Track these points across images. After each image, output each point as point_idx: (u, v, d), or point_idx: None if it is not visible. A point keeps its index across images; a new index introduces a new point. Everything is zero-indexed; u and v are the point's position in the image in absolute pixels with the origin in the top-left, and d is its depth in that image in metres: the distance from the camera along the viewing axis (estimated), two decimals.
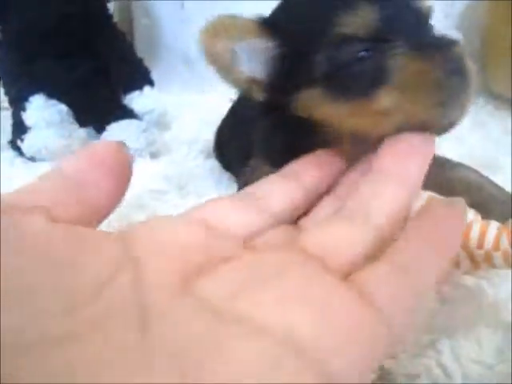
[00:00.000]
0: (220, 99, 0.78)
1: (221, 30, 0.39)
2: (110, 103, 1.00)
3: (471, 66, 0.36)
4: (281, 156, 0.42)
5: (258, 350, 0.20)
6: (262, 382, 0.19)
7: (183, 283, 0.23)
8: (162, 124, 0.98)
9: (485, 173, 0.57)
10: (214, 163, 0.84)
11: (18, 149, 0.96)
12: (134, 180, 0.73)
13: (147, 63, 1.08)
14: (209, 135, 0.85)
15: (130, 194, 0.68)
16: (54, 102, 0.96)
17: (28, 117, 0.95)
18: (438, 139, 0.35)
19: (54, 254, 0.22)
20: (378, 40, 0.36)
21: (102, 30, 1.02)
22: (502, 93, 1.21)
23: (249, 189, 0.35)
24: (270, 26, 0.40)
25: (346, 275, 0.25)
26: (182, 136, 0.94)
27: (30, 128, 0.94)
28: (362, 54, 0.36)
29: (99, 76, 1.01)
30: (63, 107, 0.96)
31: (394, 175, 0.31)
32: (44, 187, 0.26)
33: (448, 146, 0.87)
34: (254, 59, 0.40)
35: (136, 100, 0.99)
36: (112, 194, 0.28)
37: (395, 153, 0.33)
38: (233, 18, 0.40)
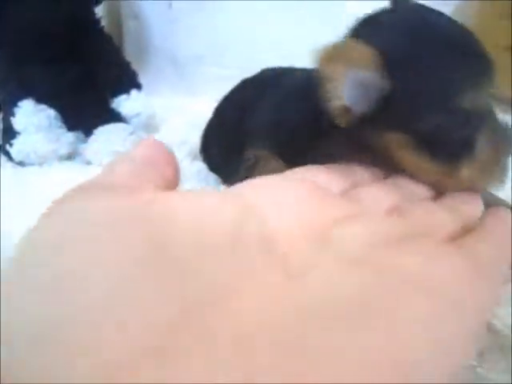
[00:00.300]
0: (209, 102, 0.79)
1: (339, 54, 0.38)
2: (98, 107, 1.01)
3: None
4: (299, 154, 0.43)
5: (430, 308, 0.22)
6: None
7: (320, 233, 0.24)
8: (150, 127, 0.99)
9: None
10: (201, 165, 0.85)
11: (7, 154, 0.97)
12: None
13: (137, 66, 1.09)
14: (196, 138, 0.86)
15: None
16: (42, 106, 0.97)
17: (17, 122, 0.96)
18: None
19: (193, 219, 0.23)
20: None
21: (89, 35, 1.03)
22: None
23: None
24: (390, 62, 0.38)
25: None
26: (169, 138, 0.95)
27: (19, 133, 0.95)
28: (463, 125, 0.39)
29: (87, 80, 1.01)
30: (52, 112, 0.97)
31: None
32: (122, 170, 0.26)
33: None
34: (360, 91, 0.39)
35: (123, 103, 1.00)
36: (176, 174, 0.29)
37: None
38: (353, 44, 0.38)
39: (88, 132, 0.97)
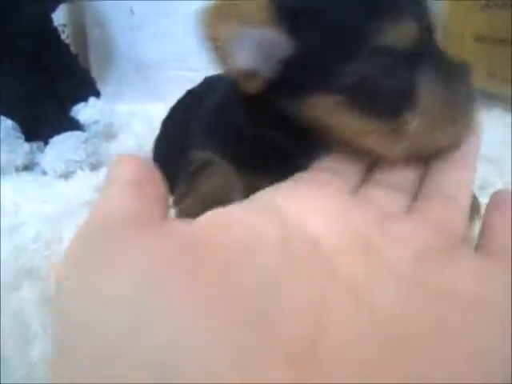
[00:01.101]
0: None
1: (226, 12, 0.35)
2: (58, 116, 1.01)
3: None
4: (251, 158, 0.41)
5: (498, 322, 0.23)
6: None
7: (366, 244, 0.26)
8: (107, 135, 0.98)
9: None
10: None
11: None
12: (69, 192, 0.74)
13: (102, 73, 1.09)
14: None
15: (63, 206, 0.70)
16: (1, 117, 0.96)
17: None
18: None
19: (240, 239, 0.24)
20: (412, 57, 0.35)
21: (47, 44, 1.03)
22: None
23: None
24: (289, 19, 0.35)
25: None
26: (126, 146, 0.95)
27: None
28: (395, 70, 0.35)
29: (47, 90, 1.01)
30: (9, 123, 0.96)
31: None
32: (122, 197, 0.27)
33: None
34: (260, 52, 0.35)
35: (81, 111, 1.00)
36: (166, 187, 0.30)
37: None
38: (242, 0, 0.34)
39: (45, 141, 0.97)
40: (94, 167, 0.88)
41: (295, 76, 0.36)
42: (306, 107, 0.37)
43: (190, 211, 0.38)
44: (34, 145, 0.96)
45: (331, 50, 0.35)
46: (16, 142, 0.95)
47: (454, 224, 0.30)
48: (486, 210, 0.33)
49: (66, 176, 0.87)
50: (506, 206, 0.31)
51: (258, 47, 0.35)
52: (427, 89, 0.35)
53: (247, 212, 0.27)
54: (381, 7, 0.34)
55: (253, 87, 0.37)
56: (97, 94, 1.03)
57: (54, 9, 1.06)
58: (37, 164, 0.95)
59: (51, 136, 0.96)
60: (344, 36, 0.34)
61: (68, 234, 0.65)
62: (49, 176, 0.89)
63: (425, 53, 0.36)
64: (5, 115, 0.97)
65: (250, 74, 0.36)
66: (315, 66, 0.36)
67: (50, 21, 1.06)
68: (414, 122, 0.35)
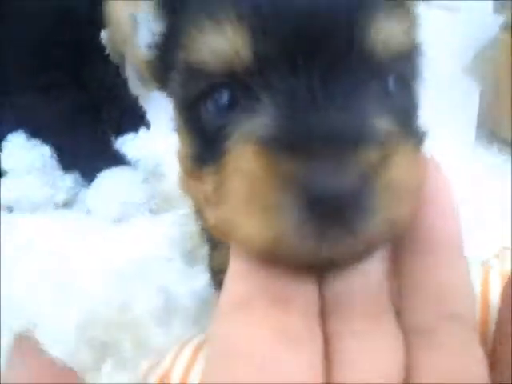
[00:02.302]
0: None
1: None
2: (100, 145, 0.91)
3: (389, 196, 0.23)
4: None
5: None
6: None
7: None
8: (157, 173, 0.88)
9: None
10: None
11: None
12: (130, 240, 0.67)
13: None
14: None
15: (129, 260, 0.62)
16: (35, 142, 0.87)
17: (5, 159, 0.86)
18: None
19: None
20: (241, 83, 0.27)
21: (91, 61, 0.92)
22: None
23: None
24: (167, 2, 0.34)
25: None
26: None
27: (7, 172, 0.85)
28: (213, 95, 0.27)
29: (86, 112, 0.92)
30: (46, 149, 0.87)
31: None
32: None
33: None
34: (147, 31, 0.35)
35: (129, 144, 0.91)
36: None
37: None
38: None
39: (88, 175, 0.86)
40: (153, 212, 0.78)
41: (163, 61, 0.35)
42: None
43: None
44: (77, 178, 0.86)
45: (171, 42, 0.32)
46: (55, 173, 0.85)
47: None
48: None
49: (119, 220, 0.76)
50: None
51: (146, 26, 0.35)
52: (236, 149, 0.25)
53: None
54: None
55: (149, 78, 0.37)
56: (147, 125, 0.93)
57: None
58: (77, 200, 0.85)
59: (91, 168, 0.86)
60: (176, 37, 0.31)
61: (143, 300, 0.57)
62: (94, 216, 0.79)
63: (276, 98, 0.25)
64: (40, 139, 0.87)
65: (142, 57, 0.36)
66: (165, 56, 0.34)
67: (97, 36, 0.95)
68: (210, 181, 0.28)
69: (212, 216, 0.27)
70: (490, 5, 1.52)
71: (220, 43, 0.26)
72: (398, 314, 0.25)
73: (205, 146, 0.29)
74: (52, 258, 0.70)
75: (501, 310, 0.28)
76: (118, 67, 0.98)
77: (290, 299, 0.23)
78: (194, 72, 0.28)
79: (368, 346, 0.23)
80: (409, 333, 0.25)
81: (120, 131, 0.92)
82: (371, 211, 0.22)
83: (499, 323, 0.28)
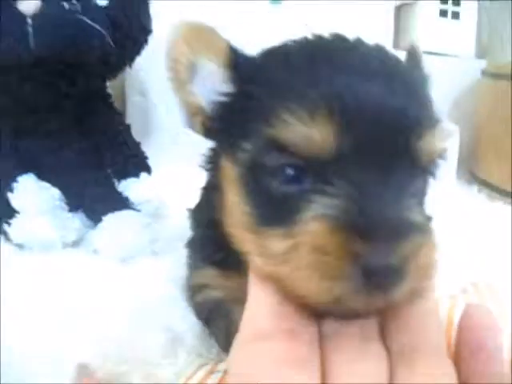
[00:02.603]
0: None
1: (195, 36, 0.37)
2: (105, 188, 0.96)
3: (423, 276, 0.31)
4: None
5: None
6: None
7: None
8: (159, 216, 0.94)
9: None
10: None
11: (3, 233, 0.90)
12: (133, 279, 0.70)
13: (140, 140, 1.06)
14: None
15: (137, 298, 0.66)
16: (44, 184, 0.92)
17: (16, 199, 0.90)
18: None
19: None
20: (318, 169, 0.31)
21: (97, 109, 1.00)
22: (495, 183, 1.31)
23: None
24: (241, 63, 0.37)
25: None
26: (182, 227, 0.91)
27: (17, 212, 0.89)
28: (287, 172, 0.32)
29: (93, 157, 0.98)
30: (55, 191, 0.92)
31: None
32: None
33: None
34: (210, 86, 0.37)
35: (132, 187, 0.96)
36: None
37: None
38: (213, 31, 0.38)
39: (93, 216, 0.92)
40: (155, 253, 0.84)
41: (229, 120, 0.37)
42: (219, 168, 0.38)
43: None
44: (84, 220, 0.92)
45: (246, 113, 0.34)
46: (65, 215, 0.90)
47: None
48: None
49: (124, 260, 0.82)
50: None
51: (207, 79, 0.37)
52: (306, 226, 0.31)
53: None
54: (298, 97, 0.31)
55: (198, 124, 0.39)
56: (148, 170, 0.99)
57: (115, 75, 1.03)
58: (83, 240, 0.91)
59: (98, 210, 0.92)
60: (256, 108, 0.34)
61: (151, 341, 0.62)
62: (100, 256, 0.85)
63: (344, 188, 0.30)
64: (48, 181, 0.93)
65: (197, 107, 0.39)
66: (234, 118, 0.36)
67: (104, 86, 1.03)
68: (279, 247, 0.32)
69: (270, 267, 0.31)
70: (472, 50, 1.61)
71: (313, 133, 0.30)
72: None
73: (270, 209, 0.33)
74: (61, 295, 0.73)
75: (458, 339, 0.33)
76: (121, 115, 1.06)
77: (300, 333, 0.29)
78: (276, 146, 0.32)
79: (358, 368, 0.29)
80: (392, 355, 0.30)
81: (123, 176, 0.98)
82: (404, 283, 0.29)
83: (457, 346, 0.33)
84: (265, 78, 0.35)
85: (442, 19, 1.54)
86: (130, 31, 0.92)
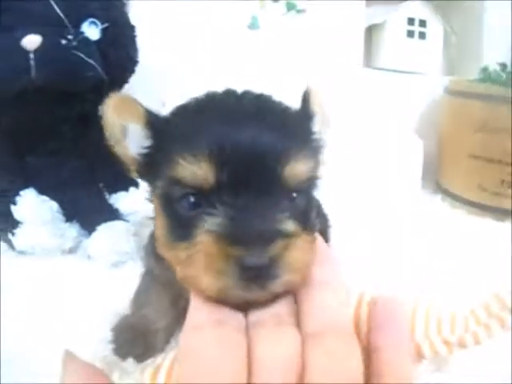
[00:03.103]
0: None
1: (121, 106, 0.48)
2: (97, 201, 1.07)
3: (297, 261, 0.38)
4: None
5: None
6: None
7: None
8: (145, 225, 1.04)
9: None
10: None
11: (8, 241, 1.01)
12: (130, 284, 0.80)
13: None
14: None
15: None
16: (44, 198, 1.02)
17: (19, 211, 1.00)
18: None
19: None
20: (205, 196, 0.40)
21: (90, 131, 1.05)
22: (457, 193, 1.37)
23: None
24: (154, 123, 0.47)
25: None
26: None
27: (20, 223, 0.99)
28: (187, 198, 0.41)
29: (87, 174, 1.08)
30: (54, 204, 1.02)
31: None
32: None
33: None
34: (137, 142, 0.48)
35: (121, 200, 1.07)
36: None
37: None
38: (134, 101, 0.48)
39: (87, 226, 1.03)
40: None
41: (150, 166, 0.47)
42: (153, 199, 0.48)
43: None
44: (79, 229, 1.02)
45: (158, 161, 0.44)
46: (63, 225, 1.01)
47: None
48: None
49: (115, 265, 0.93)
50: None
51: (134, 136, 0.48)
52: (203, 232, 0.39)
53: None
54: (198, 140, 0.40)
55: (134, 170, 0.50)
56: (136, 185, 1.09)
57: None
58: (79, 247, 1.01)
59: (91, 221, 1.02)
60: (163, 156, 0.43)
61: None
62: (94, 261, 0.95)
63: (225, 207, 0.39)
64: (47, 195, 1.03)
65: (131, 158, 0.49)
66: (152, 164, 0.46)
67: (96, 110, 1.12)
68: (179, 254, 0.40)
69: (181, 272, 0.40)
70: (438, 68, 1.69)
71: (197, 171, 0.39)
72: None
73: (178, 228, 0.41)
74: (60, 296, 0.83)
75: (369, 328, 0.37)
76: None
77: (227, 323, 0.35)
78: (176, 182, 0.41)
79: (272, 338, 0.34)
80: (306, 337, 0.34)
81: (114, 190, 1.09)
82: (277, 277, 0.37)
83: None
84: (168, 132, 0.45)
85: (409, 39, 1.64)
86: (118, 62, 1.01)
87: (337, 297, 0.37)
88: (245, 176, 0.39)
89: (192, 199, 0.40)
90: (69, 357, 0.37)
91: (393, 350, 0.35)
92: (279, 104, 0.47)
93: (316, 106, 0.50)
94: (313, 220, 0.45)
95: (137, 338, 0.70)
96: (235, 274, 0.36)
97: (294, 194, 0.42)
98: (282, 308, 0.37)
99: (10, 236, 1.00)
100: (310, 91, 0.50)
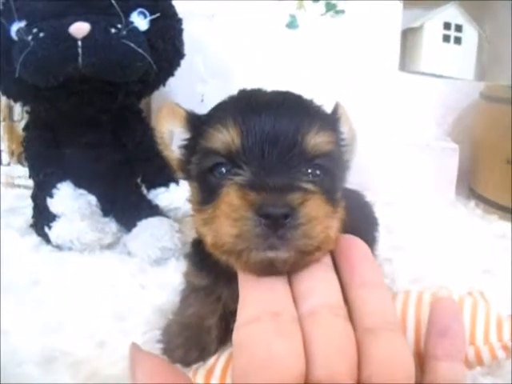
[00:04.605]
0: None
1: (167, 112, 0.54)
2: (136, 197, 1.05)
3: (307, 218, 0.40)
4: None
5: None
6: None
7: None
8: (186, 222, 1.01)
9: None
10: None
11: (44, 235, 0.98)
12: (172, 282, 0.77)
13: None
14: None
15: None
16: (82, 191, 1.00)
17: (55, 204, 0.97)
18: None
19: None
20: (233, 161, 0.44)
21: (129, 124, 1.07)
22: (492, 198, 1.35)
23: None
24: (193, 120, 0.52)
25: None
26: None
27: (58, 216, 0.96)
28: (218, 168, 0.45)
29: (126, 168, 1.05)
30: (92, 198, 0.99)
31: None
32: None
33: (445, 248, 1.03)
34: (178, 141, 0.53)
35: (161, 196, 1.05)
36: None
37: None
38: (179, 107, 0.54)
39: (126, 221, 1.01)
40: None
41: (187, 164, 0.51)
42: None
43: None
44: (120, 225, 1.00)
45: (192, 146, 0.50)
46: (102, 220, 0.98)
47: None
48: None
49: (157, 262, 0.90)
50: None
51: (178, 137, 0.53)
52: (225, 190, 0.42)
53: None
54: (223, 112, 0.47)
55: (179, 173, 0.55)
56: (176, 181, 1.06)
57: (151, 93, 1.11)
58: (119, 243, 0.99)
59: (131, 216, 1.00)
60: (195, 135, 0.50)
61: None
62: (135, 257, 0.93)
63: (251, 169, 0.42)
64: (85, 188, 1.00)
65: (177, 159, 0.54)
66: (189, 150, 0.51)
67: (137, 103, 1.10)
68: (209, 212, 0.44)
69: (208, 232, 0.43)
70: (472, 73, 1.69)
71: (225, 135, 0.44)
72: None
73: (208, 194, 0.45)
74: (99, 294, 0.81)
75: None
76: (153, 129, 1.12)
77: (281, 313, 0.36)
78: (208, 152, 0.45)
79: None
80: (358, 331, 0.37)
81: (153, 185, 1.06)
82: (294, 226, 0.39)
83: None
84: (206, 119, 0.50)
85: (445, 44, 1.62)
86: (166, 54, 0.99)
87: (388, 296, 0.39)
88: (268, 142, 0.43)
89: (222, 168, 0.45)
90: (137, 352, 0.37)
91: (451, 362, 0.37)
92: (306, 99, 0.51)
93: (344, 117, 0.54)
94: (335, 196, 0.48)
95: (190, 341, 0.68)
96: (255, 220, 0.38)
97: (316, 163, 0.45)
98: (330, 299, 0.38)
99: (46, 230, 0.97)
100: (339, 105, 0.54)
